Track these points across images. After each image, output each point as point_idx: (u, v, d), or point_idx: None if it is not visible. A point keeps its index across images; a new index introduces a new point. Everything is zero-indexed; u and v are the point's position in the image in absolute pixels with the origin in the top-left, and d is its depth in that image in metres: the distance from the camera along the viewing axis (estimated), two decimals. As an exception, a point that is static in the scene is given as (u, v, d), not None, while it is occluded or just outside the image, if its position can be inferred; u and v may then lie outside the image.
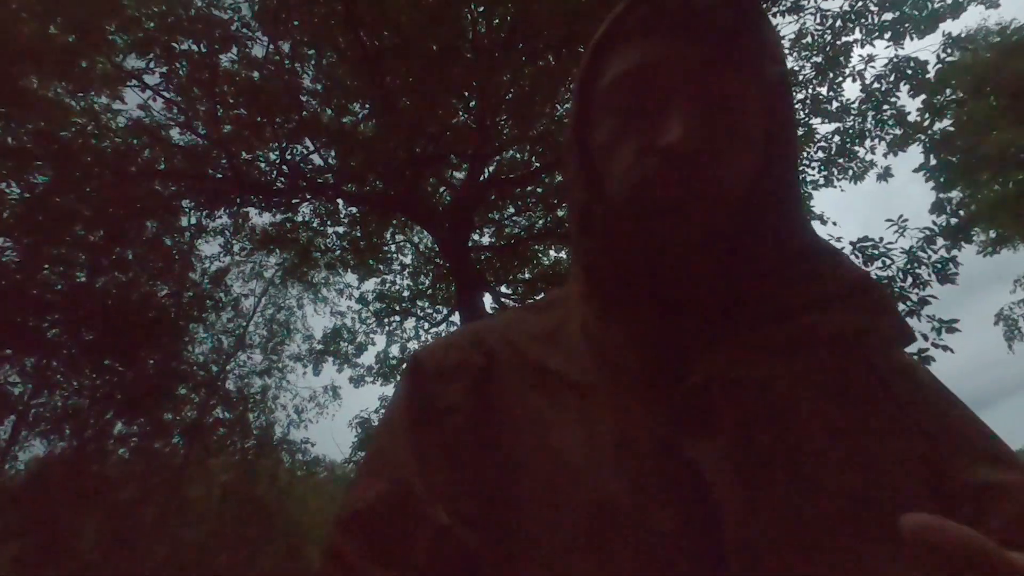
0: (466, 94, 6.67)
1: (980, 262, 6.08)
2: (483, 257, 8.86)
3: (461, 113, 6.66)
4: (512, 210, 8.60)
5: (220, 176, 6.86)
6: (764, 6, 0.48)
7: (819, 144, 5.85)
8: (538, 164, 7.16)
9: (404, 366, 0.58)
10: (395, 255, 9.71)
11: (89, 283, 8.06)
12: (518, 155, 7.56)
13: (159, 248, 8.39)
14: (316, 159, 6.98)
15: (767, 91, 0.50)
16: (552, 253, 8.81)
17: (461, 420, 0.50)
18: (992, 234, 5.57)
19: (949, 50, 5.43)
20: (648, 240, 0.49)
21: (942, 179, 4.89)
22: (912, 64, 5.35)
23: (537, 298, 0.63)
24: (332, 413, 11.01)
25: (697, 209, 0.47)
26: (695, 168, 0.46)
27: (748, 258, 0.52)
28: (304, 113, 6.49)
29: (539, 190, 8.04)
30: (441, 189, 7.59)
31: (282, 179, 6.55)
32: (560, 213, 8.06)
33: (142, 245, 8.22)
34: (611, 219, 0.51)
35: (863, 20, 5.36)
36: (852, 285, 0.50)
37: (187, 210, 7.74)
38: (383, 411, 0.57)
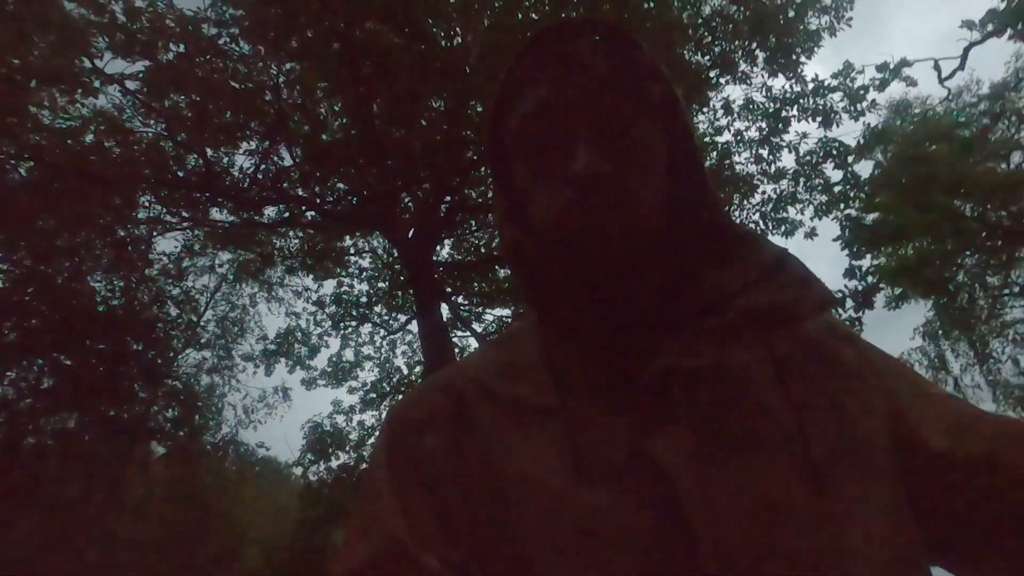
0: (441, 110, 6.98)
1: (887, 314, 6.98)
2: (442, 266, 9.11)
3: (436, 136, 6.96)
4: (474, 224, 8.92)
5: (185, 175, 6.87)
6: (633, 37, 0.53)
7: (756, 206, 6.52)
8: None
9: (381, 425, 0.60)
10: (354, 258, 9.82)
11: (34, 268, 7.83)
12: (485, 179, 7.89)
13: (112, 238, 8.22)
14: (286, 159, 7.12)
15: (657, 107, 0.54)
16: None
17: (439, 467, 0.52)
18: (896, 291, 6.49)
19: (866, 137, 6.23)
20: (577, 264, 0.52)
21: (855, 248, 5.69)
22: (837, 145, 6.10)
23: (496, 336, 0.76)
24: (281, 414, 10.93)
25: (615, 226, 0.50)
26: (605, 190, 0.49)
27: (676, 258, 0.55)
28: (275, 110, 6.57)
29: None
30: (406, 199, 7.83)
31: (254, 187, 6.63)
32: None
33: (94, 234, 8.04)
34: (541, 251, 0.54)
35: (800, 103, 6.08)
36: (773, 263, 0.53)
37: (147, 204, 7.65)
38: (367, 464, 0.67)
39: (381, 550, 0.49)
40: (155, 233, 8.36)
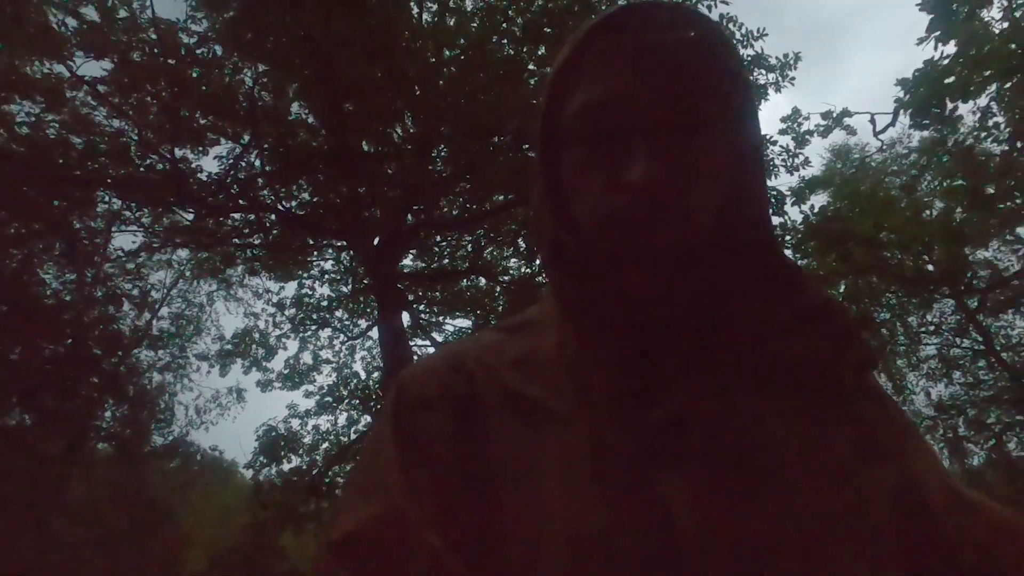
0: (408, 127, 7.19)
1: None
2: (407, 279, 9.27)
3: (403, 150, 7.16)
4: (440, 239, 9.13)
5: (150, 174, 6.83)
6: (726, 36, 0.54)
7: None
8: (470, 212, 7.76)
9: (389, 390, 0.59)
10: (317, 260, 9.86)
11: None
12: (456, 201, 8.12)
13: (66, 230, 8.04)
14: (255, 164, 7.16)
15: (732, 114, 0.50)
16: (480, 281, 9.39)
17: (444, 449, 0.50)
18: None
19: (801, 188, 6.81)
20: (619, 273, 0.50)
21: None
22: (775, 194, 6.65)
23: (510, 318, 0.64)
24: (234, 416, 10.82)
25: (665, 242, 0.48)
26: (660, 203, 0.46)
27: (720, 282, 0.53)
28: (244, 112, 6.61)
29: (468, 236, 8.62)
30: (375, 211, 7.99)
31: (221, 192, 6.67)
32: (486, 255, 8.73)
33: (46, 223, 7.85)
34: (581, 252, 0.52)
35: None
36: (818, 309, 0.51)
37: (107, 199, 7.53)
38: (369, 432, 0.59)
39: (384, 516, 0.47)
40: (113, 228, 8.24)
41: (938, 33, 5.98)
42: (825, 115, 9.76)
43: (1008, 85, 5.12)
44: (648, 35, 0.49)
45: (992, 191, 5.51)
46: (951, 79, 5.78)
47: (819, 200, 9.93)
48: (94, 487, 8.46)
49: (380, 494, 0.49)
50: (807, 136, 9.61)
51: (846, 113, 9.78)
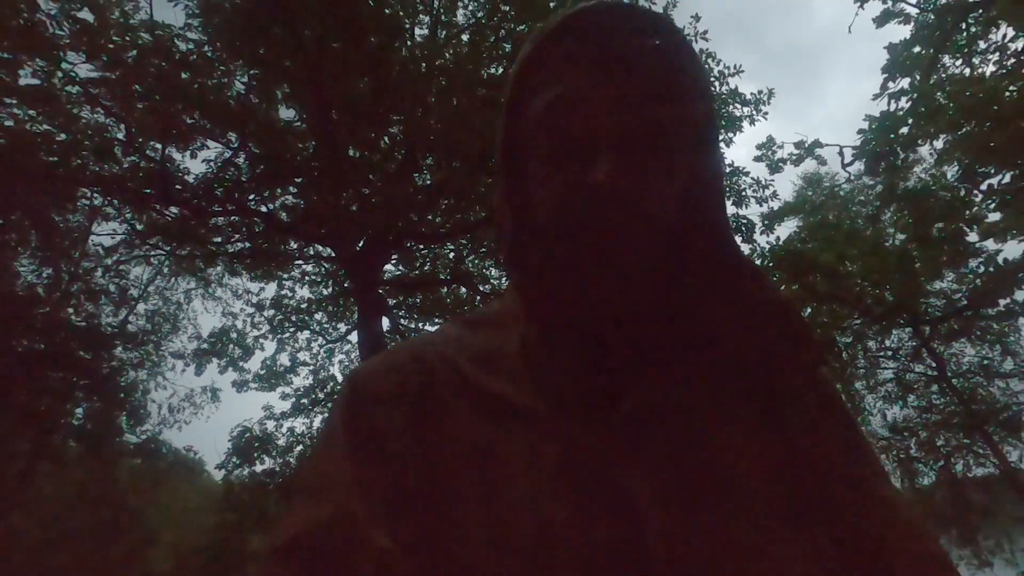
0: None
1: None
2: (388, 284, 9.37)
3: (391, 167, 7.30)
4: (423, 247, 9.26)
5: (133, 172, 6.85)
6: (689, 43, 0.54)
7: None
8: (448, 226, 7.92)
9: (342, 385, 0.57)
10: (299, 262, 9.90)
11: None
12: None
13: (44, 224, 7.98)
14: (240, 166, 7.22)
15: (695, 125, 0.51)
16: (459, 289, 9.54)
17: (401, 446, 0.50)
18: None
19: (769, 218, 7.20)
20: (580, 273, 0.50)
21: None
22: (746, 222, 7.01)
23: (472, 312, 0.63)
24: (208, 415, 10.75)
25: (626, 242, 0.48)
26: (622, 205, 0.47)
27: (679, 282, 0.54)
28: (233, 115, 6.67)
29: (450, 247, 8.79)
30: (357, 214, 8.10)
31: (205, 195, 6.73)
32: (467, 264, 8.88)
33: (21, 215, 7.78)
34: (542, 251, 0.52)
35: None
36: (774, 310, 0.52)
37: (88, 195, 7.50)
38: (319, 430, 0.54)
39: (330, 518, 0.46)
40: (94, 223, 8.20)
41: (891, 89, 6.40)
42: (798, 144, 10.23)
43: (959, 133, 5.50)
44: (615, 39, 0.49)
45: (940, 230, 5.91)
46: (905, 129, 6.18)
47: (791, 225, 10.38)
48: (61, 484, 8.35)
49: (328, 495, 0.48)
50: (780, 164, 10.07)
51: (817, 144, 10.27)
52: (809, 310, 7.30)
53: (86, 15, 6.03)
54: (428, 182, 7.73)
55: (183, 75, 6.47)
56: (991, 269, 5.78)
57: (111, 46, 6.02)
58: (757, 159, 10.09)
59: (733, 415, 0.52)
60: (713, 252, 0.55)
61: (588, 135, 0.48)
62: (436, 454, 0.49)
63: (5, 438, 7.39)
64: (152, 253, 8.90)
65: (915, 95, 6.08)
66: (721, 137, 6.08)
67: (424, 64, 6.39)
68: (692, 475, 0.47)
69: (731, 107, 6.93)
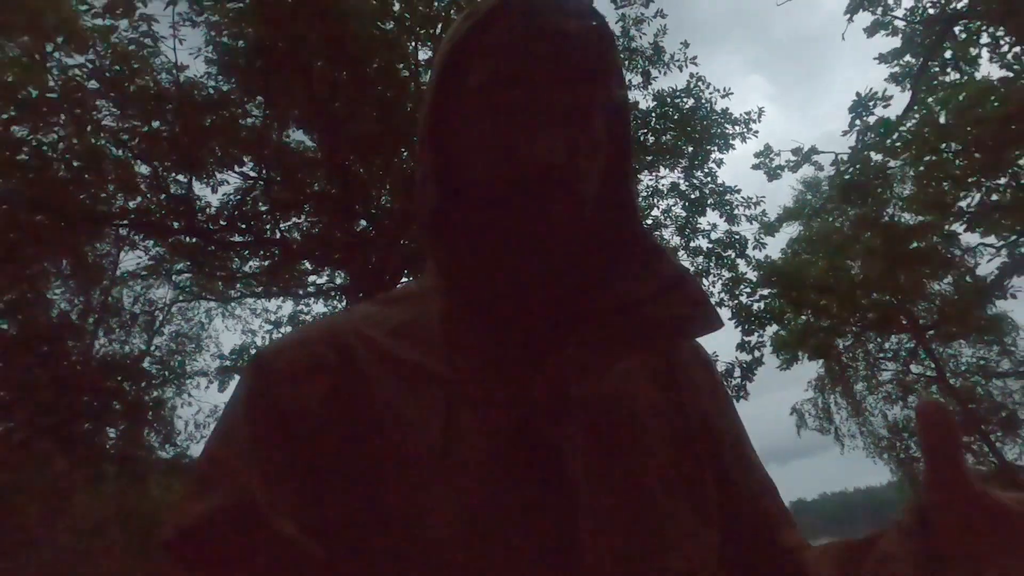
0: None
1: (780, 373, 8.29)
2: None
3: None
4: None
5: (158, 206, 7.27)
6: (611, 29, 0.58)
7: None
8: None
9: (246, 365, 0.55)
10: (312, 277, 10.28)
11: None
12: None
13: (75, 253, 8.42)
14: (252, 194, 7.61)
15: (614, 108, 0.56)
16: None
17: (316, 423, 0.48)
18: (784, 356, 7.82)
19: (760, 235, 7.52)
20: (507, 245, 0.52)
21: (746, 326, 6.93)
22: (739, 237, 7.29)
23: (390, 292, 0.63)
24: (231, 429, 11.14)
25: (557, 219, 0.51)
26: (557, 181, 0.50)
27: (593, 255, 0.58)
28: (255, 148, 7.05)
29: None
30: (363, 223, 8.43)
31: (228, 227, 7.12)
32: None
33: (51, 243, 8.22)
34: (468, 221, 0.54)
35: (710, 200, 7.27)
36: (674, 280, 0.56)
37: (115, 226, 7.91)
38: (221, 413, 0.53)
39: (225, 506, 0.43)
40: (121, 251, 8.65)
41: (858, 126, 6.71)
42: (795, 151, 10.47)
43: (928, 159, 5.77)
44: (547, 20, 0.51)
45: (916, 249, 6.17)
46: (877, 159, 6.45)
47: (791, 231, 10.60)
48: (97, 501, 8.82)
49: (226, 479, 0.45)
50: (778, 171, 10.31)
51: (814, 151, 10.51)
52: (803, 318, 7.58)
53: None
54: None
55: (207, 121, 6.87)
56: (968, 279, 6.02)
57: (132, 88, 6.42)
58: (755, 167, 10.36)
59: (641, 379, 0.57)
60: (622, 226, 0.59)
61: (526, 110, 0.50)
62: (356, 429, 0.48)
63: (45, 460, 7.85)
64: (176, 278, 9.35)
65: (883, 129, 6.39)
66: (714, 157, 6.33)
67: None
68: (609, 432, 0.51)
69: (724, 127, 7.20)
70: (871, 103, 6.82)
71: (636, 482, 0.50)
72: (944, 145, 5.32)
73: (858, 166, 6.43)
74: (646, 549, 0.47)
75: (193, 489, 0.46)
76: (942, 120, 5.84)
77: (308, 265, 9.71)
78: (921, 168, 5.83)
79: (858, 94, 6.93)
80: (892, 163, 6.23)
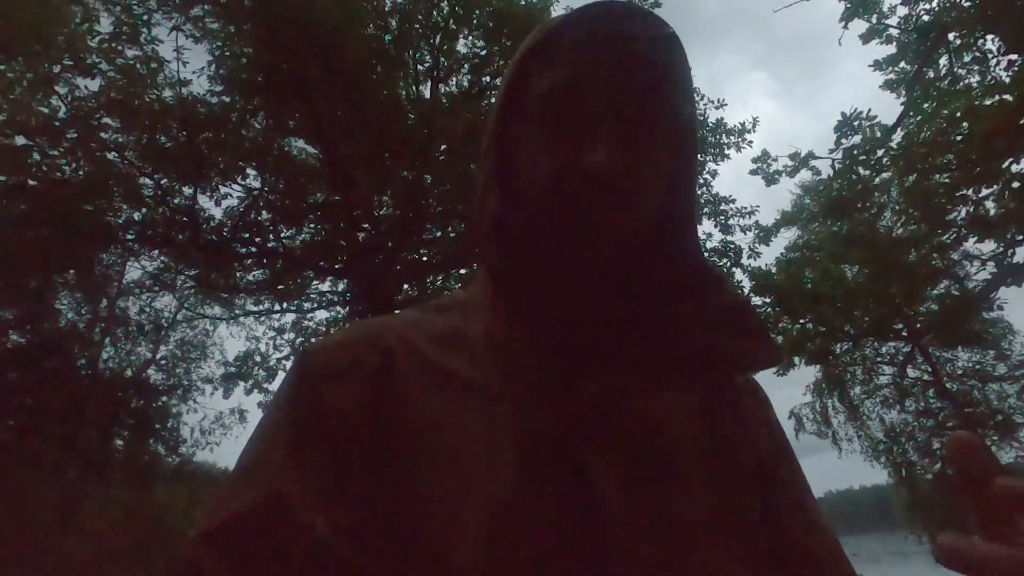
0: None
1: (778, 379, 8.37)
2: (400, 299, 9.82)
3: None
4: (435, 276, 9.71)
5: (167, 218, 7.41)
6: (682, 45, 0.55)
7: None
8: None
9: (292, 362, 0.55)
10: (315, 283, 10.41)
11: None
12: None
13: (82, 263, 8.57)
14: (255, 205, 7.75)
15: (679, 125, 0.54)
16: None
17: (354, 422, 0.48)
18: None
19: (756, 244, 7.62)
20: (561, 254, 0.51)
21: None
22: (734, 247, 7.40)
23: (437, 299, 0.63)
24: (237, 435, 11.34)
25: (612, 230, 0.50)
26: (614, 191, 0.49)
27: (649, 276, 0.56)
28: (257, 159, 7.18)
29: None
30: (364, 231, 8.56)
31: (234, 239, 7.26)
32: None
33: (59, 255, 8.38)
34: (526, 230, 0.53)
35: (705, 209, 7.38)
36: (733, 309, 0.54)
37: (131, 242, 8.06)
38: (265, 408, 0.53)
39: (262, 502, 0.44)
40: (127, 263, 8.79)
41: (844, 144, 6.83)
42: (793, 156, 10.54)
43: (912, 179, 5.86)
44: (615, 28, 0.51)
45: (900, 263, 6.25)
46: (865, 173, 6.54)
47: (789, 235, 10.67)
48: (106, 507, 8.99)
49: (262, 477, 0.46)
50: (776, 176, 10.38)
51: (811, 155, 10.58)
52: (799, 324, 7.67)
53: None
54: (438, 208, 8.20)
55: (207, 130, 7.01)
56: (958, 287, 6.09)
57: (137, 103, 6.56)
58: (753, 172, 10.43)
59: (684, 409, 0.54)
60: (683, 252, 0.58)
61: (586, 118, 0.50)
62: (392, 430, 0.48)
63: (55, 468, 8.01)
64: (184, 287, 9.50)
65: (869, 147, 6.48)
66: (708, 167, 6.45)
67: (426, 130, 6.83)
68: (646, 460, 0.49)
69: (719, 136, 7.31)
70: (855, 122, 6.91)
71: (671, 519, 0.47)
72: (929, 161, 5.41)
73: (844, 182, 6.52)
74: None
75: (234, 483, 0.47)
76: (927, 134, 5.94)
77: (311, 273, 9.88)
78: (908, 183, 5.91)
79: (843, 114, 7.03)
80: (878, 179, 6.32)
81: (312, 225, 8.11)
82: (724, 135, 7.24)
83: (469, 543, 0.43)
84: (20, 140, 6.71)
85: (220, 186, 7.32)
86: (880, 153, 6.39)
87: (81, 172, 7.08)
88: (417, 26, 6.74)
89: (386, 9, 6.57)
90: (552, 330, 0.53)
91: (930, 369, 8.64)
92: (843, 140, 6.96)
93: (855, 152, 6.65)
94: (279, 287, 9.38)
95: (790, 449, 0.62)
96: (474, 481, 0.45)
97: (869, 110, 7.36)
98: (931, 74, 8.62)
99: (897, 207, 6.66)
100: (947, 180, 5.24)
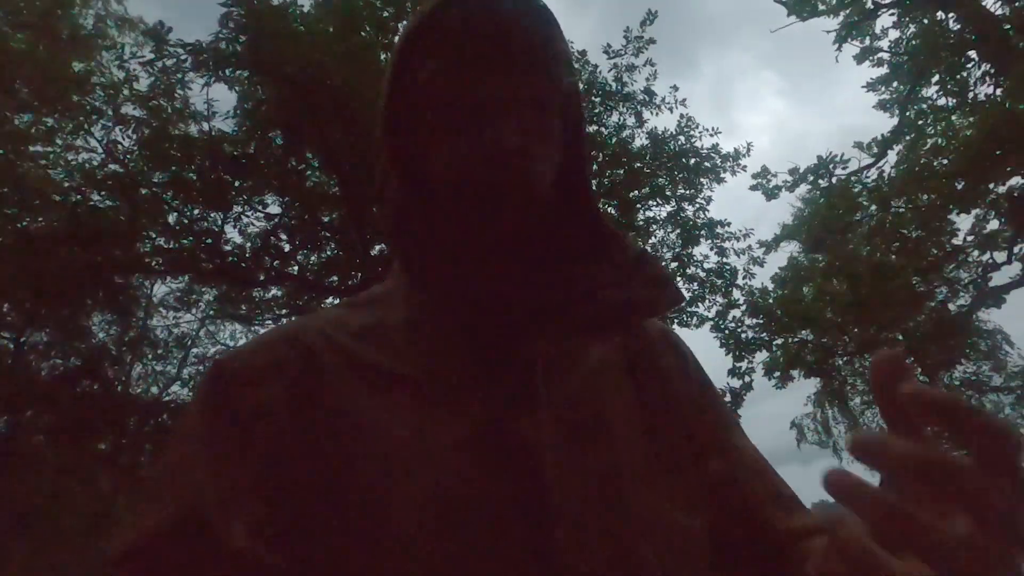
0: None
1: (777, 391, 8.64)
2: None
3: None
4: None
5: (192, 246, 7.88)
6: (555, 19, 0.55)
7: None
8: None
9: (205, 371, 0.54)
10: (329, 300, 10.86)
11: (35, 311, 8.61)
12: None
13: (110, 285, 9.06)
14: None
15: (564, 96, 0.56)
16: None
17: (275, 424, 0.47)
18: (777, 375, 8.21)
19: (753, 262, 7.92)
20: (468, 236, 0.53)
21: (736, 352, 7.33)
22: (729, 268, 7.70)
23: (355, 296, 0.62)
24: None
25: (515, 203, 0.52)
26: (514, 166, 0.50)
27: (552, 241, 0.58)
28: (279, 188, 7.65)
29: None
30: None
31: (257, 268, 7.71)
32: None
33: (93, 279, 8.87)
34: (430, 216, 0.54)
35: (702, 232, 7.70)
36: (635, 262, 0.57)
37: (160, 269, 8.53)
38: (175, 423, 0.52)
39: (173, 519, 0.43)
40: (153, 282, 9.29)
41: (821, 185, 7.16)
42: (792, 171, 10.81)
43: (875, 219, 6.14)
44: (490, 11, 0.52)
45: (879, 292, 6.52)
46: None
47: (791, 247, 10.90)
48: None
49: (176, 490, 0.45)
50: (775, 191, 10.64)
51: (810, 170, 10.83)
52: (796, 339, 7.94)
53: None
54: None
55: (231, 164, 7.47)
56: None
57: (166, 144, 7.04)
58: (753, 188, 10.71)
59: (611, 366, 0.57)
60: (581, 215, 0.59)
61: (477, 100, 0.51)
62: (318, 431, 0.47)
63: (90, 479, 8.49)
64: (206, 305, 9.99)
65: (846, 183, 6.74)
66: (704, 194, 6.77)
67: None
68: (580, 422, 0.50)
69: (715, 161, 7.63)
70: (831, 165, 7.20)
71: (609, 474, 0.49)
72: (901, 200, 5.70)
73: (820, 220, 6.84)
74: (621, 541, 0.46)
75: (144, 501, 0.46)
76: (907, 166, 6.21)
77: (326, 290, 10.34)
78: (881, 216, 6.19)
79: (819, 157, 7.32)
80: (856, 216, 6.62)
81: (329, 247, 8.55)
82: (719, 159, 7.54)
83: (409, 529, 0.43)
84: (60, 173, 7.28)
85: (243, 216, 7.81)
86: (857, 190, 6.69)
87: (114, 203, 7.59)
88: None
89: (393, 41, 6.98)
90: (466, 311, 0.53)
91: (927, 379, 8.82)
92: (820, 180, 7.26)
93: (832, 189, 6.95)
94: (296, 303, 9.87)
95: (710, 385, 0.66)
96: (408, 471, 0.45)
97: (842, 154, 7.70)
98: (926, 91, 8.88)
99: (875, 238, 6.94)
100: (923, 210, 5.53)
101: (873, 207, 6.09)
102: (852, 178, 7.19)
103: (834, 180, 7.26)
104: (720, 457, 0.58)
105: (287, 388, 0.50)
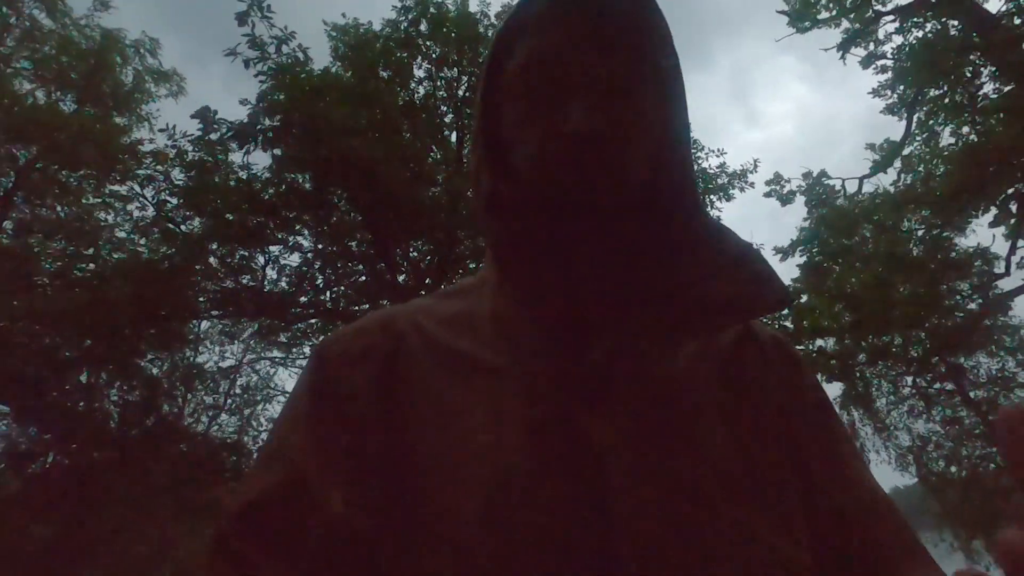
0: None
1: None
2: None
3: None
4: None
5: (235, 287, 8.48)
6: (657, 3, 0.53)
7: None
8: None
9: (310, 355, 0.58)
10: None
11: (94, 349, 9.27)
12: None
13: (160, 323, 9.70)
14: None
15: (662, 79, 0.54)
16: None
17: (365, 405, 0.51)
18: None
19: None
20: (556, 223, 0.51)
21: None
22: None
23: (447, 287, 0.64)
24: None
25: (602, 191, 0.50)
26: (598, 152, 0.49)
27: (649, 237, 0.55)
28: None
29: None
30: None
31: (294, 304, 8.25)
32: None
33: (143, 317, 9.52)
34: (519, 203, 0.53)
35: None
36: (736, 256, 0.53)
37: (203, 308, 9.14)
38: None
39: (282, 483, 0.48)
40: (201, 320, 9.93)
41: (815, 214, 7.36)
42: (805, 176, 10.95)
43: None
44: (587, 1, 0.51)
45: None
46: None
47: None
48: (195, 541, 10.02)
49: (283, 459, 0.49)
50: (790, 196, 10.79)
51: (824, 174, 10.96)
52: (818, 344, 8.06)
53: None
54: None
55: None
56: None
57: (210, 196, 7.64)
58: (767, 195, 10.88)
59: (701, 371, 0.54)
60: (683, 209, 0.56)
61: (563, 87, 0.51)
62: (402, 413, 0.50)
63: (147, 506, 9.07)
64: (248, 337, 10.59)
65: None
66: (710, 209, 7.08)
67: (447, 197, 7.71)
68: (656, 425, 0.48)
69: (721, 179, 7.87)
70: (823, 195, 7.36)
71: (687, 481, 0.46)
72: (900, 214, 5.86)
73: (816, 248, 7.05)
74: (690, 554, 0.43)
75: (258, 466, 0.52)
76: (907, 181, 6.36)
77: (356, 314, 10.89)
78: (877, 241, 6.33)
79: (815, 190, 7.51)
80: (855, 239, 6.79)
81: (356, 271, 9.06)
82: (727, 178, 7.78)
83: (474, 516, 0.44)
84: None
85: (280, 257, 8.36)
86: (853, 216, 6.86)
87: (161, 252, 8.22)
88: (443, 107, 7.59)
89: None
90: (554, 303, 0.53)
91: (953, 378, 8.81)
92: (814, 211, 7.46)
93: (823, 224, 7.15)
94: (328, 329, 10.41)
95: (827, 405, 0.61)
96: (480, 454, 0.46)
97: (843, 181, 7.79)
98: (933, 92, 8.96)
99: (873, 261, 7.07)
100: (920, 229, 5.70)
101: (868, 233, 6.24)
102: (854, 197, 7.35)
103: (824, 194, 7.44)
104: (835, 489, 0.53)
105: (376, 372, 0.53)
